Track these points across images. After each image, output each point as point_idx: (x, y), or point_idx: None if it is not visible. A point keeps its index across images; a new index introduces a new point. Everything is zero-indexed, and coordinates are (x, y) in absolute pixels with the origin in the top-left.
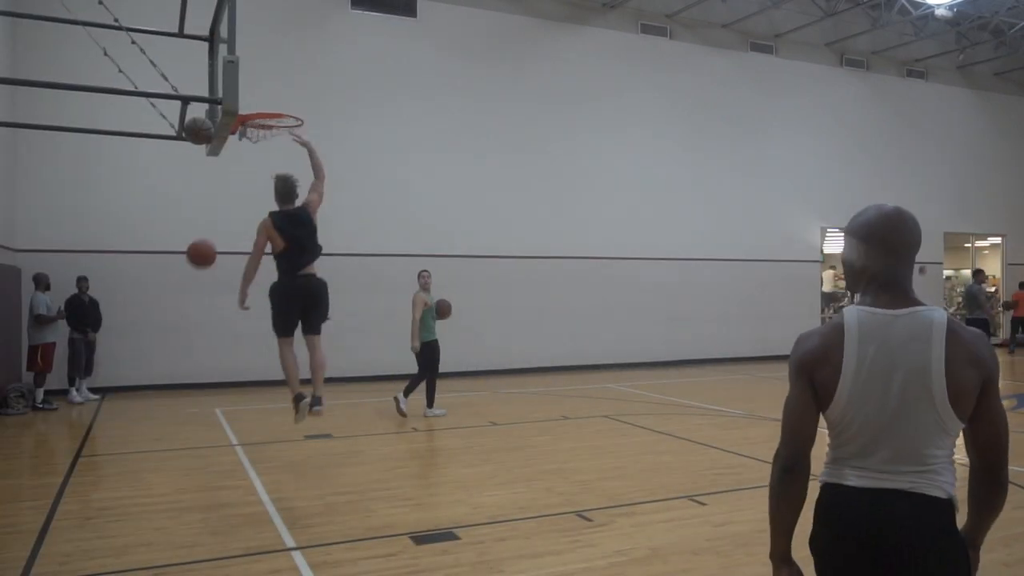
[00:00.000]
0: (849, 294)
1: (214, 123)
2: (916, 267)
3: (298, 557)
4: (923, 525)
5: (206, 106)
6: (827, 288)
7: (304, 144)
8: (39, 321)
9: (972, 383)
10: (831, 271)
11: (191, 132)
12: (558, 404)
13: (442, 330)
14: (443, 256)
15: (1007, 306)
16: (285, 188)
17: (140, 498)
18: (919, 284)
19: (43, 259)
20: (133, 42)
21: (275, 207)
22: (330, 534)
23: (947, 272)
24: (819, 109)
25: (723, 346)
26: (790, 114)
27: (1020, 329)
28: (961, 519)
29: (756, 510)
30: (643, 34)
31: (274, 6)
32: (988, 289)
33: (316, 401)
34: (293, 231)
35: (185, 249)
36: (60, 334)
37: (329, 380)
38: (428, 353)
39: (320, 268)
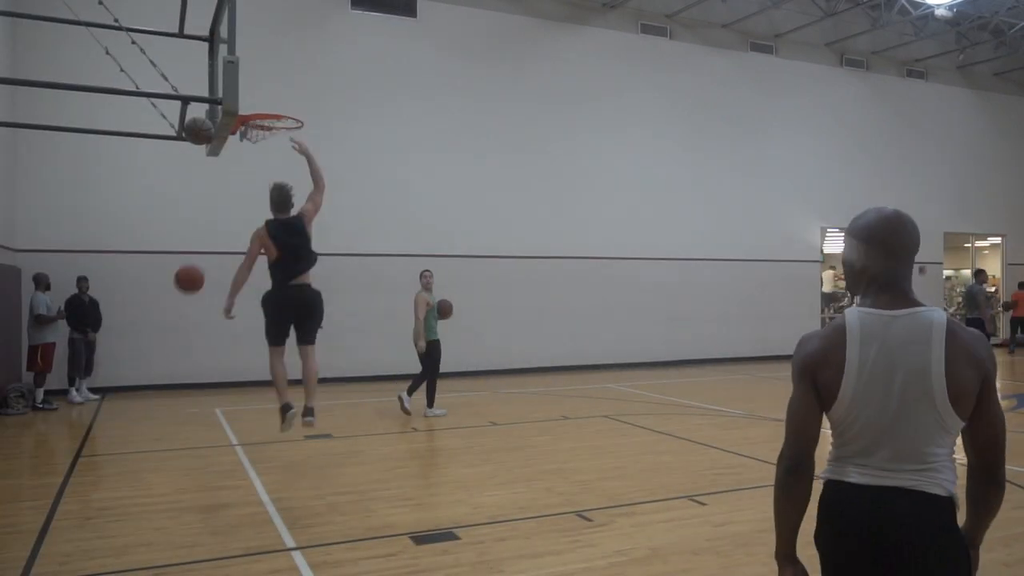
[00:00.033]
0: (849, 294)
1: (214, 123)
2: (916, 267)
3: (298, 557)
4: (924, 523)
5: (206, 106)
6: (827, 288)
7: (303, 152)
8: (39, 321)
9: (972, 383)
10: (831, 271)
11: (191, 132)
12: (558, 404)
13: (442, 330)
14: (443, 256)
15: (1007, 306)
16: (280, 197)
17: (140, 498)
18: (919, 284)
19: (43, 259)
20: (133, 42)
21: (272, 214)
22: (330, 534)
23: (947, 272)
24: (819, 109)
25: (723, 346)
26: (790, 114)
27: (1019, 329)
28: (961, 517)
29: (756, 510)
30: (643, 34)
31: (274, 6)
32: (988, 289)
33: (308, 411)
34: (287, 240)
35: (174, 274)
36: (60, 334)
37: (329, 380)
38: (430, 352)
39: (320, 270)
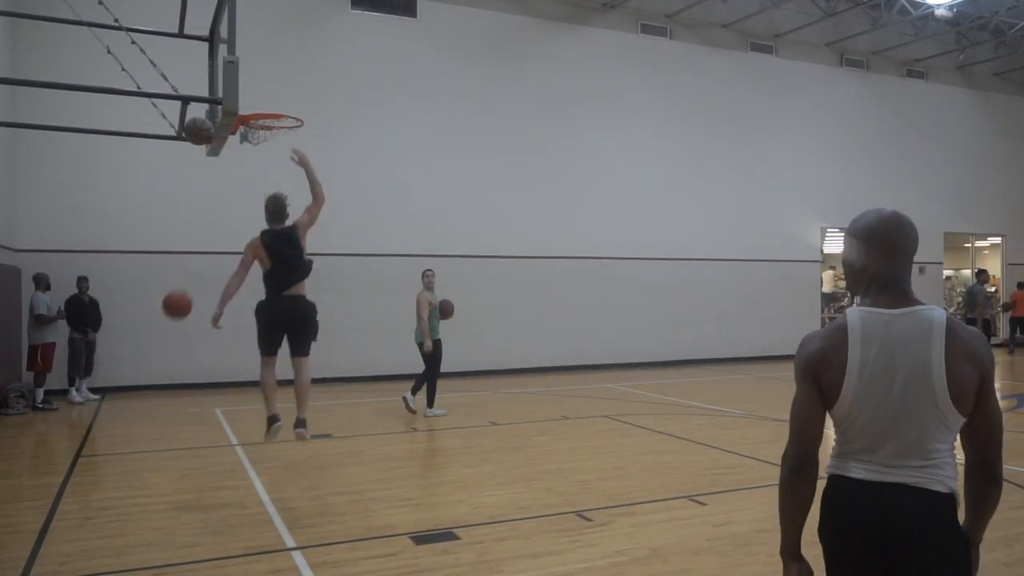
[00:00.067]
0: (849, 294)
1: (214, 123)
2: (916, 267)
3: (298, 557)
4: (926, 520)
5: (206, 106)
6: (827, 289)
7: (302, 164)
8: (39, 321)
9: (972, 381)
10: (831, 271)
11: (191, 132)
12: (558, 404)
13: (443, 330)
14: (443, 256)
15: (1006, 307)
16: (275, 207)
17: (140, 498)
18: (919, 284)
19: (43, 259)
20: (133, 42)
21: (267, 224)
22: (330, 534)
23: (947, 272)
24: (819, 109)
25: (723, 346)
26: (790, 114)
27: (1018, 329)
28: (961, 515)
29: (756, 510)
30: (643, 34)
31: (274, 6)
32: (988, 289)
33: (299, 423)
34: (280, 250)
35: (162, 300)
36: (60, 334)
37: (329, 380)
38: (432, 352)
39: (320, 270)
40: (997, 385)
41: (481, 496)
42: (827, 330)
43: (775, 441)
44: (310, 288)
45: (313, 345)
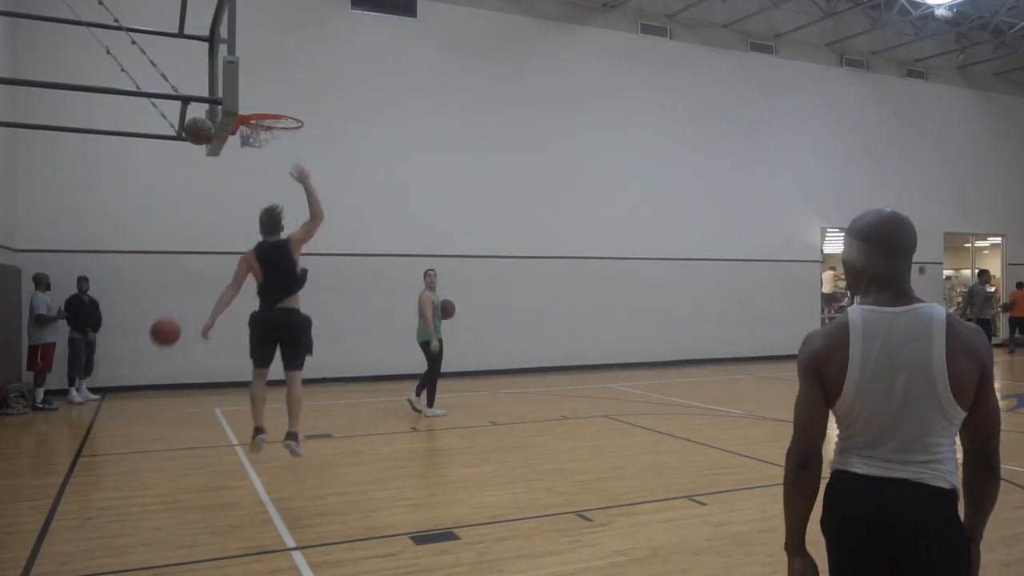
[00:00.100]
0: (849, 294)
1: (214, 123)
2: (916, 267)
3: (298, 557)
4: (928, 515)
5: (206, 106)
6: (827, 289)
7: (301, 180)
8: (39, 321)
9: (972, 376)
10: (831, 272)
11: (191, 132)
12: (558, 404)
13: (443, 330)
14: (443, 256)
15: (1005, 307)
16: (269, 220)
17: (140, 498)
18: (919, 284)
19: (43, 259)
20: (133, 42)
21: (261, 236)
22: (330, 534)
23: (947, 272)
24: (819, 109)
25: (723, 346)
26: (790, 114)
27: (1017, 330)
28: (961, 511)
29: (756, 510)
30: (643, 34)
31: (274, 6)
32: (988, 289)
33: (290, 436)
34: (273, 263)
35: (150, 327)
36: (60, 334)
37: (329, 380)
38: (435, 352)
39: (320, 270)
40: (997, 385)
41: (481, 496)
42: (829, 328)
43: (775, 441)
44: (311, 288)
45: (319, 346)
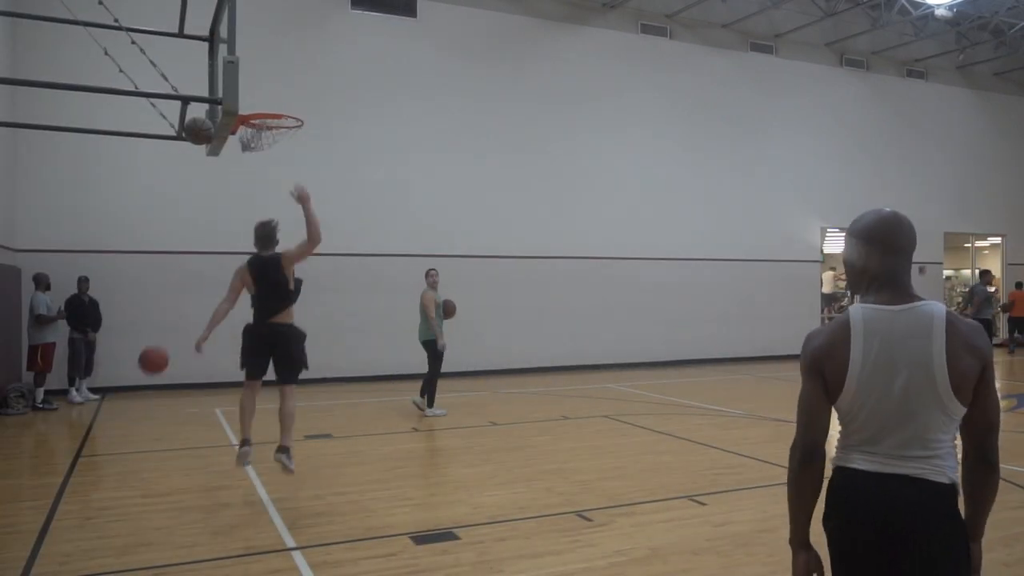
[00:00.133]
0: (849, 294)
1: (214, 123)
2: (916, 267)
3: (298, 557)
4: (928, 511)
5: (206, 106)
6: (827, 289)
7: (301, 201)
8: (39, 321)
9: (972, 371)
10: (831, 272)
11: (191, 132)
12: (558, 404)
13: (444, 329)
14: (443, 256)
15: (1005, 307)
16: (263, 233)
17: (140, 498)
18: (919, 284)
19: (43, 259)
20: (133, 42)
21: (256, 250)
22: (330, 534)
23: (947, 272)
24: (819, 109)
25: (723, 346)
26: (790, 114)
27: (1016, 330)
28: (962, 506)
29: (756, 510)
30: (643, 34)
31: (274, 6)
32: (989, 289)
33: (281, 450)
34: (264, 277)
35: (139, 356)
36: (60, 334)
37: (329, 380)
38: (436, 352)
39: (320, 270)
40: (997, 385)
41: (481, 496)
42: (831, 326)
43: (775, 441)
44: (311, 288)
45: (319, 346)
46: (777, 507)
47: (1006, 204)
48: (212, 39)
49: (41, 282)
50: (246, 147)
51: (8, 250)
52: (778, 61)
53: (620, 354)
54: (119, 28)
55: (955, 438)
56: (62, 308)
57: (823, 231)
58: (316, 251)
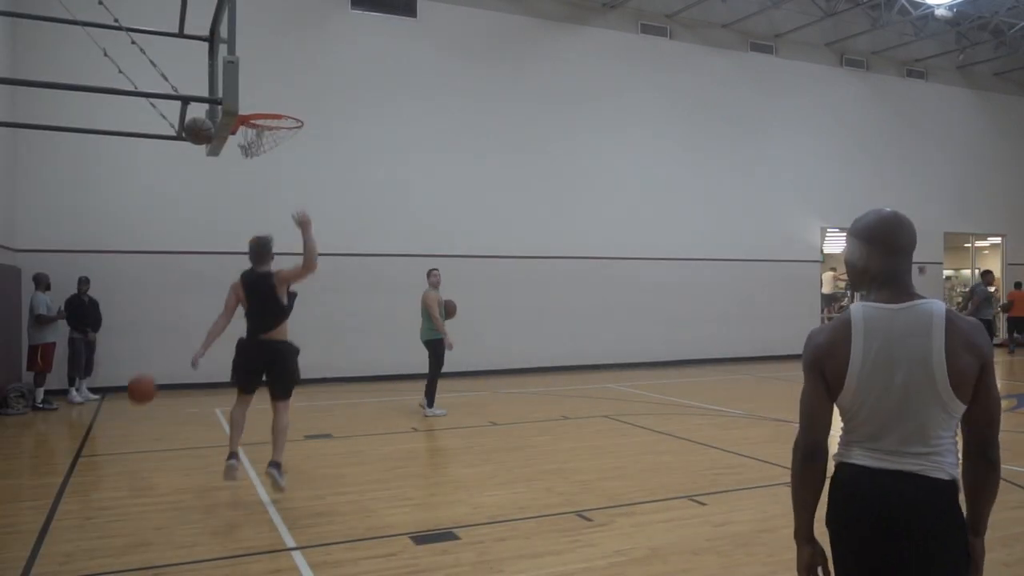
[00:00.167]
0: (849, 294)
1: (214, 123)
2: (916, 267)
3: (298, 557)
4: (928, 507)
5: (206, 106)
6: (827, 290)
7: (302, 226)
8: (39, 321)
9: (971, 369)
10: (831, 273)
11: (191, 132)
12: (558, 404)
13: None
14: (443, 256)
15: (1004, 308)
16: (258, 249)
17: (140, 498)
18: (919, 284)
19: (43, 259)
20: (133, 42)
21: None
22: (330, 534)
23: (947, 272)
24: (819, 109)
25: (723, 346)
26: (790, 114)
27: (1016, 330)
28: (962, 502)
29: (756, 510)
30: (643, 34)
31: (274, 6)
32: (989, 289)
33: (272, 464)
34: (256, 293)
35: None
36: (60, 334)
37: (329, 380)
38: (437, 351)
39: (320, 270)
40: (998, 385)
41: (481, 496)
42: (832, 324)
43: (775, 441)
44: (311, 288)
45: (319, 346)
46: (777, 507)
47: (1006, 204)
48: (212, 39)
49: (41, 282)
50: (246, 152)
51: (8, 250)
52: (778, 61)
53: (620, 354)
54: (119, 28)
55: (956, 435)
56: (62, 308)
57: (823, 231)
58: (318, 251)
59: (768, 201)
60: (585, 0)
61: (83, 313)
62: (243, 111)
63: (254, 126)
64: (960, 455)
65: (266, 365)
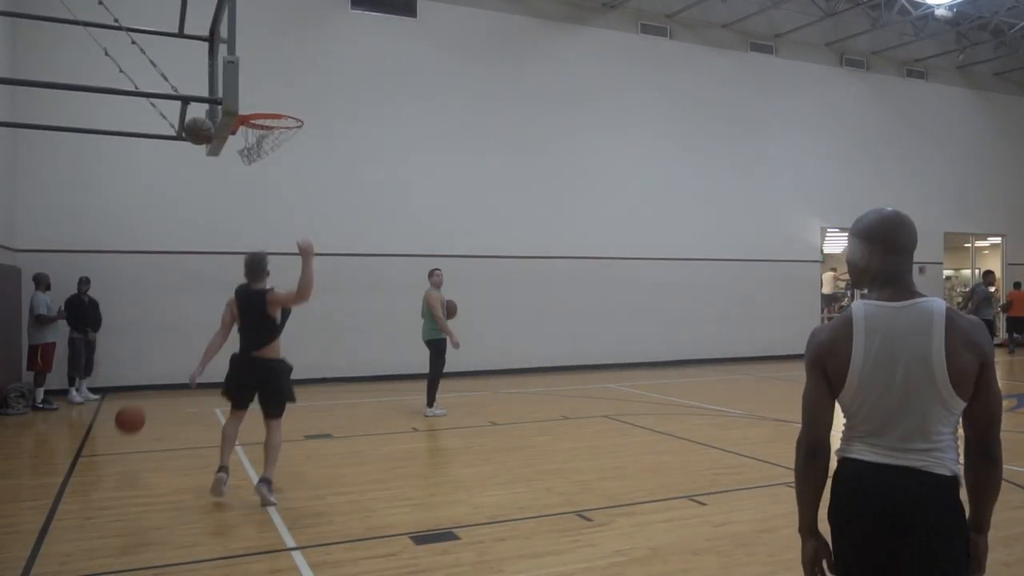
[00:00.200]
0: (849, 295)
1: (214, 123)
2: (916, 267)
3: (298, 557)
4: (930, 502)
5: (206, 106)
6: (827, 290)
7: (304, 255)
8: (39, 321)
9: (971, 367)
10: (831, 273)
11: (191, 132)
12: (558, 404)
13: None
14: (443, 256)
15: (1004, 308)
16: (252, 265)
17: (140, 498)
18: (919, 284)
19: (43, 259)
20: (133, 42)
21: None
22: (330, 534)
23: (947, 272)
24: (819, 109)
25: (723, 346)
26: (790, 114)
27: (1015, 330)
28: (964, 498)
29: (756, 510)
30: (643, 34)
31: (274, 6)
32: (989, 290)
33: (263, 481)
34: (248, 310)
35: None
36: (60, 334)
37: (329, 380)
38: (439, 352)
39: (320, 270)
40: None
41: (481, 496)
42: (834, 322)
43: (775, 441)
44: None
45: (319, 346)
46: (777, 507)
47: (1006, 204)
48: (212, 39)
49: (41, 282)
50: (247, 158)
51: (8, 250)
52: (778, 61)
53: (620, 354)
54: (119, 28)
55: (956, 431)
56: (62, 308)
57: (823, 231)
58: (316, 251)
59: (768, 201)
60: (585, 0)
61: (83, 313)
62: (243, 111)
63: (254, 126)
64: (961, 452)
65: (258, 383)
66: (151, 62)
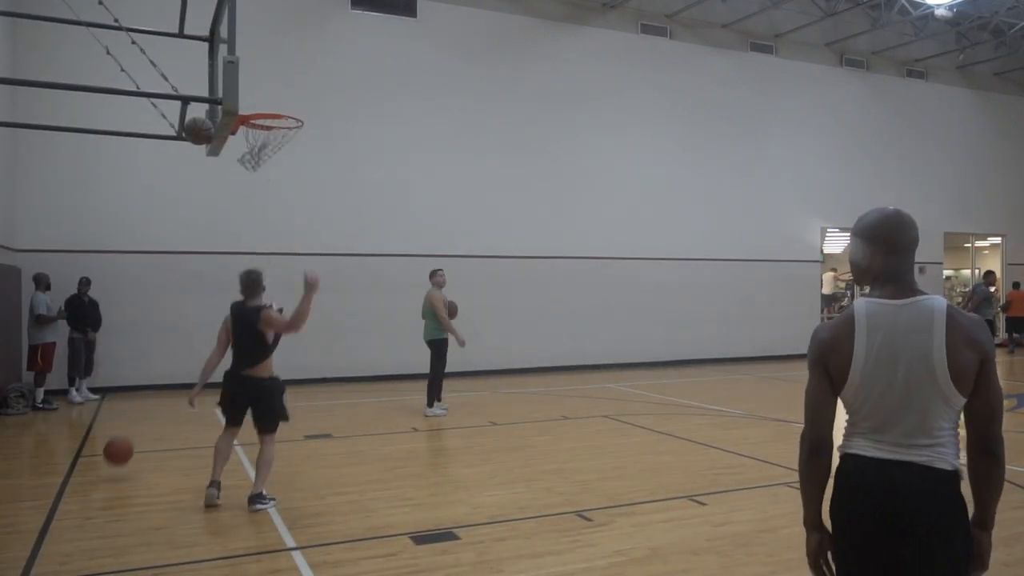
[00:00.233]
0: (849, 294)
1: (214, 123)
2: (916, 267)
3: (298, 557)
4: (932, 497)
5: (206, 106)
6: (827, 290)
7: (307, 288)
8: (39, 321)
9: (972, 364)
10: (831, 273)
11: (191, 132)
12: (558, 404)
13: (444, 330)
14: (443, 256)
15: (1003, 307)
16: (247, 282)
17: (140, 498)
18: (920, 284)
19: (43, 259)
20: (133, 42)
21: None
22: (330, 534)
23: (947, 272)
24: (819, 109)
25: (723, 346)
26: (790, 114)
27: (1015, 330)
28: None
29: (756, 510)
30: (643, 34)
31: (274, 6)
32: (990, 289)
33: (250, 498)
34: (241, 328)
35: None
36: (60, 334)
37: (329, 380)
38: (440, 352)
39: (320, 270)
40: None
41: (481, 496)
42: (836, 321)
43: (775, 441)
44: None
45: (319, 346)
46: (777, 507)
47: (1006, 204)
48: (212, 39)
49: (41, 282)
50: (247, 165)
51: (8, 250)
52: (778, 61)
53: (620, 354)
54: (119, 28)
55: (958, 426)
56: (62, 308)
57: (823, 231)
58: (316, 251)
59: (768, 201)
60: (585, 0)
61: (83, 313)
62: (243, 111)
63: (254, 126)
64: (963, 448)
65: (251, 402)
66: (151, 62)
